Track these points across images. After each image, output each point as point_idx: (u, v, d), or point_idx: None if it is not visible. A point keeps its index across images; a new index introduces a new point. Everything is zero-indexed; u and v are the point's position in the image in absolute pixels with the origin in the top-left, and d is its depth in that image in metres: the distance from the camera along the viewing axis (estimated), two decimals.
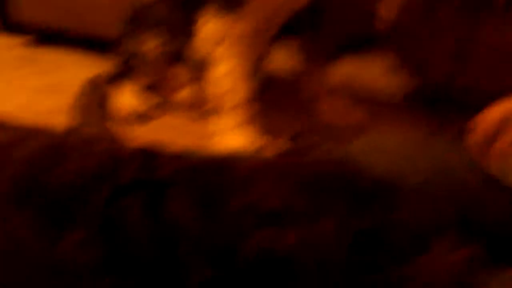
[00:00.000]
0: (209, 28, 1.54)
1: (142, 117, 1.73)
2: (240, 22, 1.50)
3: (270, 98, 1.85)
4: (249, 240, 0.70)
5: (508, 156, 1.01)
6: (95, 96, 1.39)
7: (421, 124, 1.69)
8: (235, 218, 0.72)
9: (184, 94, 1.77)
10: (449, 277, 0.75)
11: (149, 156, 0.79)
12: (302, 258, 0.68)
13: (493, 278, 0.83)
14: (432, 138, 1.39)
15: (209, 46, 1.56)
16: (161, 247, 0.71)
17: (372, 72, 2.08)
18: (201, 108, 1.67)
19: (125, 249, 0.71)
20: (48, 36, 2.25)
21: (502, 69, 1.63)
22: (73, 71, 1.97)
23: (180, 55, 1.74)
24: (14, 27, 2.31)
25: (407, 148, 1.13)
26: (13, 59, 2.15)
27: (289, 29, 1.74)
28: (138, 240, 0.71)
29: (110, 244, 0.71)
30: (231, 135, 1.55)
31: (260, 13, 1.52)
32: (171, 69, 1.76)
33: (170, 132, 1.67)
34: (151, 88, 1.78)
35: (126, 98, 1.73)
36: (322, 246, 0.69)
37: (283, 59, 1.93)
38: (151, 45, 1.73)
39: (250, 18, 1.51)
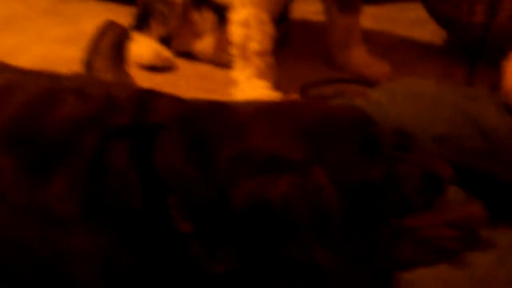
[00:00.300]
0: None
1: (163, 65, 1.69)
2: None
3: (293, 46, 1.79)
4: (241, 188, 0.65)
5: None
6: (112, 38, 1.34)
7: (454, 75, 1.61)
8: (228, 165, 0.67)
9: (208, 41, 1.71)
10: (451, 232, 0.70)
11: (145, 101, 0.75)
12: (295, 207, 0.63)
13: (499, 235, 0.78)
14: (463, 88, 1.32)
15: None
16: (148, 194, 0.67)
17: (403, 22, 1.98)
18: (225, 56, 1.62)
19: (110, 196, 0.67)
20: None
21: None
22: (94, 21, 1.93)
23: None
24: None
25: (435, 96, 1.07)
26: (36, 10, 2.13)
27: None
28: (124, 187, 0.67)
29: (95, 190, 0.68)
30: (249, 84, 1.50)
31: None
32: (195, 14, 1.71)
33: (193, 80, 1.63)
34: (173, 36, 1.74)
35: (146, 46, 1.69)
36: (317, 196, 0.64)
37: (309, 8, 1.85)
38: None
39: None
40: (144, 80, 1.52)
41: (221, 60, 1.66)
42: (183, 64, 1.71)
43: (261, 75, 1.49)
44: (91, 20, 1.96)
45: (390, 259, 0.71)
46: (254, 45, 1.47)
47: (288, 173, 0.65)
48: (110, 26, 1.36)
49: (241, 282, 0.70)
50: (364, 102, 1.10)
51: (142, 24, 1.73)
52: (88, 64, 1.29)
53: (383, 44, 1.81)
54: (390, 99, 1.06)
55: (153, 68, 1.67)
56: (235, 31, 1.50)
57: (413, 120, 0.99)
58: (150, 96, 0.76)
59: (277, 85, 1.52)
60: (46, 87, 0.82)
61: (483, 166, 0.98)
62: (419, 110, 1.02)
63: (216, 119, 0.72)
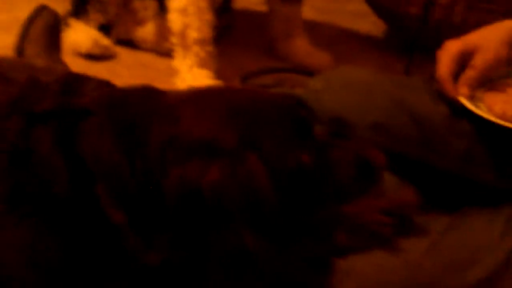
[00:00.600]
0: None
1: (102, 54, 1.64)
2: None
3: (235, 36, 1.78)
4: (171, 175, 0.63)
5: (475, 85, 0.98)
6: (44, 23, 1.29)
7: (393, 66, 1.63)
8: (158, 151, 0.65)
9: (149, 28, 1.68)
10: (385, 218, 0.71)
11: (71, 85, 0.72)
12: (227, 194, 0.62)
13: (432, 221, 0.79)
14: (400, 78, 1.34)
15: None
16: (76, 184, 0.64)
17: (345, 14, 2.00)
18: (166, 44, 1.58)
19: (34, 184, 0.64)
20: None
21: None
22: (31, 8, 1.87)
23: None
24: None
25: (371, 85, 1.07)
26: None
27: None
28: (50, 175, 0.64)
29: (18, 178, 0.64)
30: (190, 72, 1.48)
31: None
32: (136, 2, 1.67)
33: (133, 69, 1.59)
34: (113, 23, 1.69)
35: (84, 33, 1.64)
36: (249, 182, 0.63)
37: None
38: None
39: None
40: (82, 68, 1.48)
41: (162, 48, 1.63)
42: (123, 53, 1.67)
43: (201, 63, 1.47)
44: (28, 7, 1.90)
45: (324, 246, 0.71)
46: (193, 33, 1.45)
47: (219, 159, 0.63)
48: (41, 11, 1.31)
49: (176, 270, 0.68)
50: (303, 91, 1.09)
51: (80, 10, 1.68)
52: (19, 49, 1.24)
53: (325, 35, 1.83)
54: (327, 88, 1.05)
55: (91, 56, 1.63)
56: (174, 19, 1.47)
57: (349, 109, 1.00)
58: (78, 80, 0.74)
59: (218, 75, 1.51)
60: None
61: (417, 154, 0.99)
62: (354, 98, 1.03)
63: (145, 104, 0.69)
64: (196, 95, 0.70)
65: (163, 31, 1.62)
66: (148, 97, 0.70)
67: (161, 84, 1.50)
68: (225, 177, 0.62)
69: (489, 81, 1.02)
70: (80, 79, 0.73)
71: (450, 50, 1.01)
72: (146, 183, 0.65)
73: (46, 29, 1.27)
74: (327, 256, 0.72)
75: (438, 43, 1.08)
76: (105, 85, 0.73)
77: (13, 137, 0.66)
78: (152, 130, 0.66)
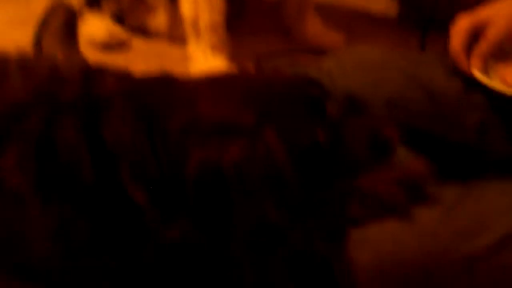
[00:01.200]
0: None
1: (117, 44, 1.67)
2: None
3: (247, 19, 1.79)
4: (192, 157, 0.66)
5: (488, 57, 0.99)
6: (61, 18, 1.33)
7: (405, 44, 1.64)
8: (177, 134, 0.68)
9: (162, 16, 1.70)
10: (398, 188, 0.73)
11: (91, 75, 0.75)
12: (248, 173, 0.65)
13: (445, 191, 0.81)
14: (413, 54, 1.35)
15: None
16: (100, 168, 0.67)
17: None
18: (179, 31, 1.61)
19: (61, 171, 0.67)
20: None
21: None
22: (46, 3, 1.90)
23: None
24: None
25: (385, 62, 1.09)
26: None
27: None
28: (75, 161, 0.67)
29: (46, 166, 0.68)
30: (204, 58, 1.50)
31: None
32: None
33: (148, 58, 1.62)
34: (126, 12, 1.72)
35: (99, 24, 1.67)
36: (269, 157, 0.65)
37: None
38: None
39: None
40: (98, 59, 1.51)
41: (175, 35, 1.65)
42: (137, 41, 1.70)
43: (214, 48, 1.50)
44: (44, 2, 1.93)
45: (340, 218, 0.73)
46: (204, 20, 1.48)
47: (238, 138, 0.66)
48: (58, 6, 1.35)
49: (198, 250, 0.71)
50: (316, 70, 1.11)
51: (93, 1, 1.71)
52: (37, 43, 1.28)
53: (338, 15, 1.83)
54: (339, 66, 1.07)
55: (107, 47, 1.66)
56: (185, 7, 1.49)
57: (362, 86, 1.02)
58: (98, 70, 0.76)
59: (232, 57, 1.53)
60: None
61: (431, 127, 1.01)
62: (368, 75, 1.04)
63: (164, 91, 0.72)
64: (213, 81, 0.73)
65: (175, 18, 1.64)
66: (166, 84, 0.73)
67: (176, 70, 1.52)
68: (244, 154, 0.65)
69: (502, 53, 1.03)
70: (100, 69, 0.76)
71: (462, 24, 1.02)
72: (167, 164, 0.67)
73: (63, 23, 1.30)
74: (343, 228, 0.75)
75: (451, 18, 1.09)
76: (125, 75, 0.76)
77: (39, 126, 0.69)
78: (171, 115, 0.69)
